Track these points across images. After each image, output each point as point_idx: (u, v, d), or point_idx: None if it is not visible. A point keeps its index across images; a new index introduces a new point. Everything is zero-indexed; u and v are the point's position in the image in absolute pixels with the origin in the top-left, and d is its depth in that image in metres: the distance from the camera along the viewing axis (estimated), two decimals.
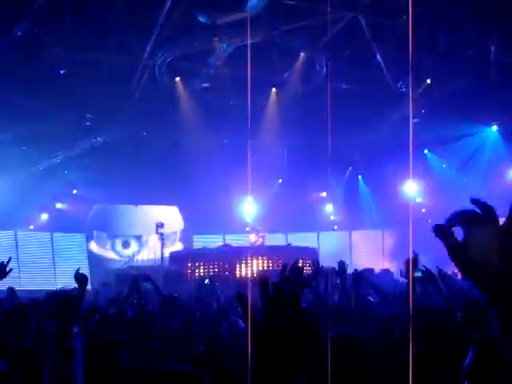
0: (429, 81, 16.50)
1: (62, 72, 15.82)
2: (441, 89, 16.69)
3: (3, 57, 14.13)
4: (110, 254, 22.60)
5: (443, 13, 13.86)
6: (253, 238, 18.22)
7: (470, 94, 15.86)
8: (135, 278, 6.71)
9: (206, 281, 9.16)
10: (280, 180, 22.79)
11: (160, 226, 17.90)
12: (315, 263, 6.55)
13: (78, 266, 5.22)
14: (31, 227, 20.80)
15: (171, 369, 2.07)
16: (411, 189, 19.32)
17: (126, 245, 22.85)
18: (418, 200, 20.03)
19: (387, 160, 19.19)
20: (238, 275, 16.08)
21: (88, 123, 18.88)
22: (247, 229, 19.47)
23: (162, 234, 17.70)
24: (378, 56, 16.21)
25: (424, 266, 5.69)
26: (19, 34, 13.70)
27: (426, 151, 20.31)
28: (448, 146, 19.45)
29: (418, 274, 5.63)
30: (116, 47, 15.51)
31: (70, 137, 18.97)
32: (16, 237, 19.93)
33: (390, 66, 16.45)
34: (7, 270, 4.75)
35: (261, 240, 18.21)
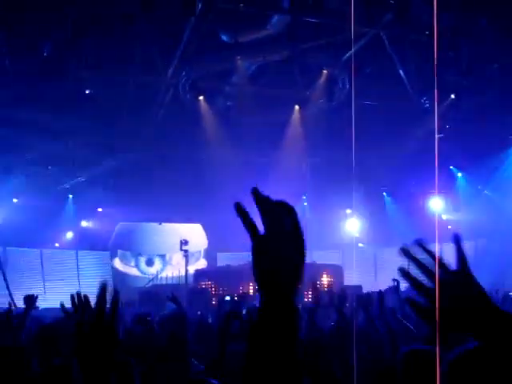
0: (453, 96, 16.35)
1: (87, 92, 16.01)
2: (466, 104, 16.54)
3: (29, 77, 14.36)
4: (134, 272, 22.66)
5: (467, 26, 13.76)
6: None
7: (495, 109, 15.69)
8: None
9: (227, 298, 9.11)
10: (304, 197, 22.70)
11: (184, 243, 17.91)
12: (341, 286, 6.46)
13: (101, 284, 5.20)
14: (56, 245, 20.98)
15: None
16: (437, 205, 19.09)
17: (149, 263, 22.89)
18: (444, 216, 19.77)
19: (412, 176, 19.02)
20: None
21: (112, 142, 19.04)
22: None
23: (186, 251, 17.69)
24: (402, 71, 16.12)
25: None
26: (45, 54, 13.91)
27: (451, 167, 20.06)
28: (474, 161, 19.19)
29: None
30: (140, 67, 15.67)
31: (95, 156, 19.16)
32: (41, 255, 20.10)
33: (413, 81, 16.36)
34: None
35: None
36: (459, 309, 1.22)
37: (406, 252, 1.22)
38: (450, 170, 20.18)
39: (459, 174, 20.39)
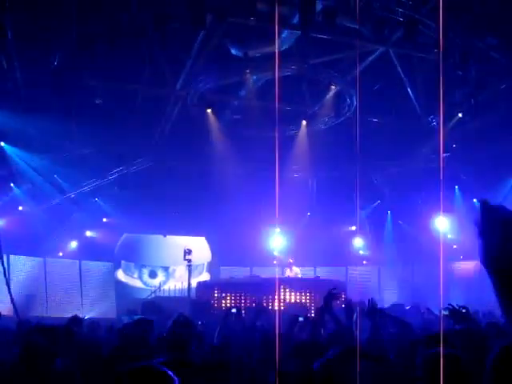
0: (460, 115, 16.34)
1: (96, 102, 16.08)
2: (473, 122, 16.52)
3: (40, 86, 14.45)
4: (137, 284, 22.62)
5: (474, 45, 13.79)
6: (288, 272, 17.91)
7: (502, 128, 15.66)
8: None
9: (234, 310, 9.05)
10: (309, 213, 22.67)
11: (188, 252, 17.87)
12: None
13: (104, 294, 5.29)
14: (60, 254, 20.97)
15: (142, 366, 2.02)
16: (442, 224, 19.01)
17: (152, 275, 22.85)
18: (449, 236, 19.67)
19: (417, 194, 18.98)
20: (265, 306, 15.89)
21: (119, 153, 19.10)
22: (274, 261, 19.33)
23: (189, 261, 17.65)
24: (409, 89, 16.15)
25: (451, 305, 5.55)
26: (55, 63, 14.00)
27: (456, 187, 19.93)
28: (480, 180, 19.09)
29: (445, 313, 5.53)
30: (149, 78, 15.75)
31: (101, 166, 19.22)
32: (45, 264, 20.09)
33: (420, 99, 16.38)
34: None
35: (297, 271, 17.98)
36: None
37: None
38: (456, 189, 20.05)
39: (463, 193, 20.25)
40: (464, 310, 5.58)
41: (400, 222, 21.87)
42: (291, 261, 18.27)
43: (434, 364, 2.79)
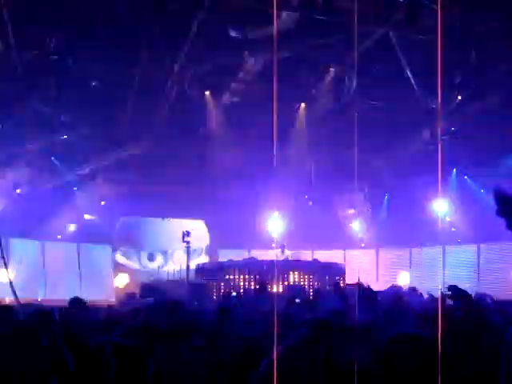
0: (460, 97, 16.26)
1: (93, 84, 15.99)
2: (472, 106, 16.45)
3: (35, 68, 14.35)
4: (136, 266, 22.65)
5: (475, 27, 13.70)
6: (278, 253, 18.03)
7: (502, 111, 15.59)
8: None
9: (234, 293, 9.11)
10: (306, 196, 22.64)
11: (186, 234, 17.89)
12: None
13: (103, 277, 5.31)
14: (59, 237, 20.95)
15: None
16: (440, 207, 19.01)
17: (151, 258, 22.88)
18: (448, 219, 19.68)
19: (416, 177, 18.92)
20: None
21: (117, 136, 19.02)
22: (273, 245, 19.36)
23: (188, 243, 17.66)
24: (409, 72, 16.05)
25: (454, 286, 5.58)
26: (52, 46, 13.90)
27: (454, 170, 19.88)
28: (479, 164, 19.06)
29: (447, 293, 5.58)
30: (147, 61, 15.65)
31: (99, 149, 19.15)
32: (43, 247, 20.08)
33: (420, 82, 16.29)
34: None
35: (288, 253, 18.07)
36: None
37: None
38: (454, 172, 19.98)
39: (465, 177, 20.23)
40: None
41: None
42: (284, 244, 18.36)
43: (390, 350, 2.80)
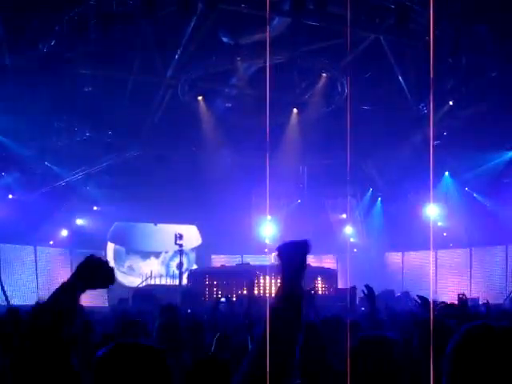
0: (451, 103, 16.35)
1: (86, 90, 15.94)
2: (463, 111, 16.54)
3: (28, 72, 14.30)
4: (128, 271, 22.61)
5: (466, 34, 13.79)
6: (272, 258, 18.00)
7: (493, 116, 15.67)
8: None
9: (223, 299, 9.06)
10: (299, 200, 22.67)
11: (179, 237, 17.89)
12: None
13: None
14: (51, 243, 20.87)
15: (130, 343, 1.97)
16: (432, 212, 19.07)
17: (144, 263, 22.86)
18: (440, 224, 19.74)
19: (408, 182, 19.00)
20: (256, 294, 15.95)
21: (110, 140, 18.99)
22: (266, 250, 19.36)
23: (180, 246, 17.65)
24: (400, 77, 16.13)
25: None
26: (45, 50, 13.85)
27: (446, 173, 19.91)
28: (470, 168, 19.14)
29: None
30: (140, 66, 15.65)
31: (92, 154, 19.11)
32: (36, 252, 20.00)
33: (411, 87, 16.37)
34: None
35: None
36: None
37: None
38: (445, 176, 20.00)
39: (454, 181, 20.28)
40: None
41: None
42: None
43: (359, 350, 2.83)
